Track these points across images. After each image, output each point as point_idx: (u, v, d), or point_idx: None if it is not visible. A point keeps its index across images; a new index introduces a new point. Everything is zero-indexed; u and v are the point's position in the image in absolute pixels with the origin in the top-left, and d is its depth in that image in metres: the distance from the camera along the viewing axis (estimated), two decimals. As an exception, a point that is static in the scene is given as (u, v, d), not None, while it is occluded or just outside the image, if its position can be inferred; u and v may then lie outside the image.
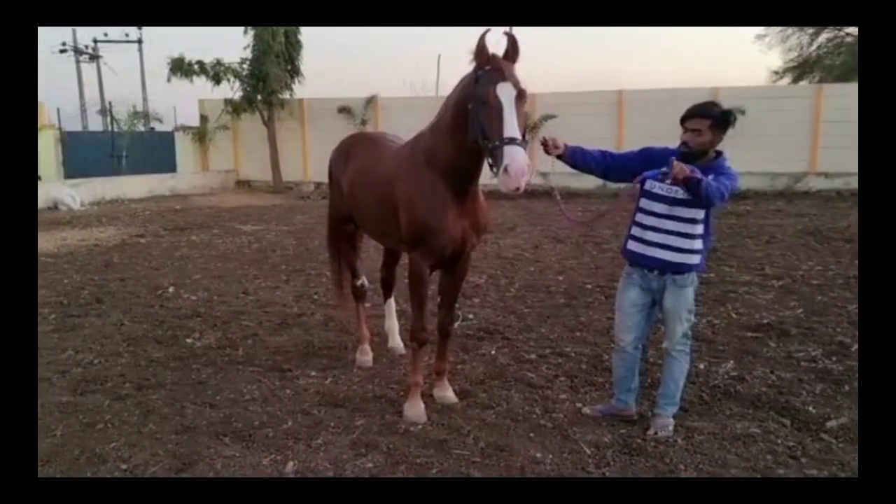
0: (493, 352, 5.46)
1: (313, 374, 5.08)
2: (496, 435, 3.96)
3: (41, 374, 5.02)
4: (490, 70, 3.51)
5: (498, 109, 3.42)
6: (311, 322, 6.48)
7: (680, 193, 3.70)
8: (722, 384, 4.65)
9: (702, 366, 5.00)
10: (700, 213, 3.75)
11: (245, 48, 21.42)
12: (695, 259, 3.83)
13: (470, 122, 3.59)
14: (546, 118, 18.72)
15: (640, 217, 3.90)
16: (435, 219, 3.96)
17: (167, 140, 24.26)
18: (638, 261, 3.91)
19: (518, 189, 3.36)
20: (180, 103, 25.39)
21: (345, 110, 21.70)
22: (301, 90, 22.45)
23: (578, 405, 4.37)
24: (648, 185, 3.83)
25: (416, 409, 4.23)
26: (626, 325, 4.03)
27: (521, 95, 3.48)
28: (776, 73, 31.22)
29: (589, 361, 5.19)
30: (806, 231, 11.48)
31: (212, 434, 4.09)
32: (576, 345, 5.59)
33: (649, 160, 3.88)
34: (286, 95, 21.95)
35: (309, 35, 21.75)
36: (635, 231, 3.92)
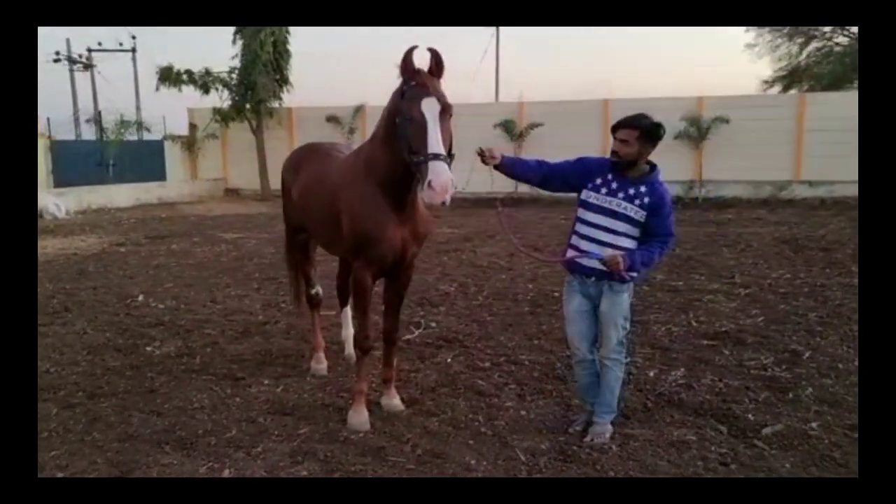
0: (448, 360, 5.48)
1: (266, 382, 5.10)
2: (435, 442, 3.98)
3: (-5, 383, 5.02)
4: (415, 85, 3.56)
5: (422, 125, 3.47)
6: (273, 330, 6.50)
7: (614, 205, 3.74)
8: (667, 392, 4.67)
9: (651, 373, 5.03)
10: (634, 231, 3.77)
11: (233, 57, 21.56)
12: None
13: (398, 136, 3.63)
14: (532, 126, 18.81)
15: (577, 226, 3.93)
16: (374, 227, 4.00)
17: (156, 149, 24.32)
18: (575, 268, 3.94)
19: (444, 203, 3.40)
20: (170, 112, 25.43)
21: (333, 119, 21.78)
22: (289, 99, 22.58)
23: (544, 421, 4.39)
24: (584, 194, 3.87)
25: (359, 417, 4.25)
26: (575, 333, 4.04)
27: (445, 110, 3.53)
28: (766, 82, 31.43)
29: (541, 369, 5.21)
30: (782, 240, 11.52)
31: (154, 442, 4.10)
32: (532, 353, 5.61)
33: (585, 169, 3.93)
34: (274, 104, 22.05)
35: (297, 44, 21.82)
36: (573, 240, 3.95)
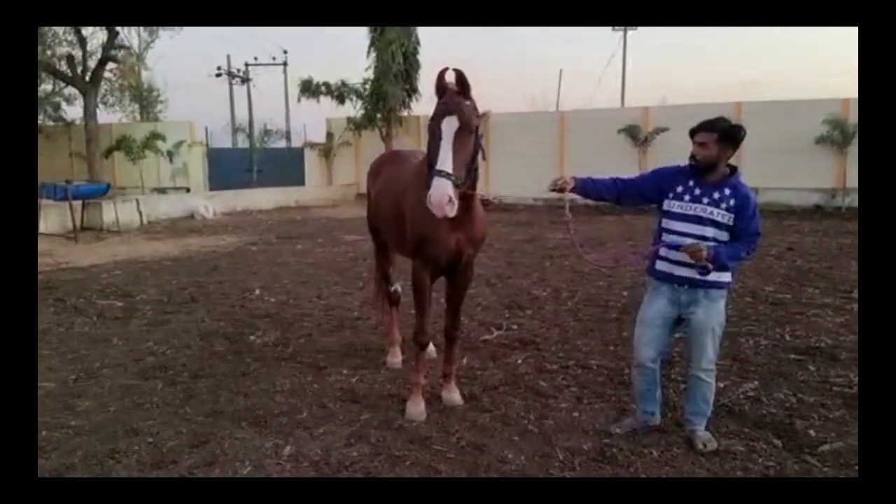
0: (518, 361, 5.62)
1: (345, 371, 5.47)
2: (480, 436, 4.15)
3: (120, 361, 5.77)
4: (441, 103, 3.78)
5: (438, 141, 3.71)
6: (363, 326, 6.91)
7: (699, 211, 3.76)
8: (731, 403, 4.55)
9: (722, 384, 4.89)
10: (723, 235, 3.75)
11: (367, 69, 22.68)
12: (723, 276, 3.83)
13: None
14: (658, 131, 18.41)
15: (665, 237, 3.91)
16: (428, 229, 4.23)
17: (297, 156, 26.03)
18: (667, 280, 3.92)
19: (445, 215, 3.65)
20: (312, 122, 27.22)
21: (459, 126, 22.29)
22: (418, 107, 23.37)
23: (606, 424, 4.41)
24: (666, 204, 3.89)
25: (416, 408, 4.50)
26: (647, 338, 4.01)
27: (463, 128, 3.71)
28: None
29: (608, 375, 5.23)
30: (925, 252, 10.53)
31: (234, 419, 4.57)
32: (604, 358, 5.63)
33: (662, 180, 3.96)
34: (403, 113, 22.92)
35: (427, 54, 22.51)
36: (662, 250, 3.92)
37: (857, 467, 3.62)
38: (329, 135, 25.13)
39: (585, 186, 4.05)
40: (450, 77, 3.92)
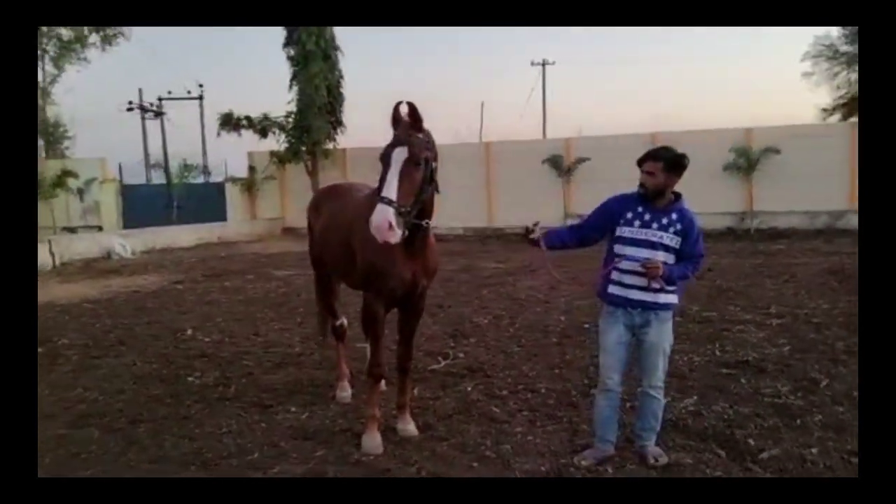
0: (468, 388, 5.67)
1: (293, 409, 5.38)
2: (440, 465, 4.17)
3: (48, 411, 5.47)
4: (394, 135, 3.89)
5: (385, 170, 3.81)
6: (307, 362, 6.82)
7: (650, 236, 3.93)
8: (675, 417, 4.74)
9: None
10: (671, 258, 3.93)
11: (289, 102, 22.58)
12: (672, 298, 4.02)
13: None
14: (580, 161, 19.06)
15: (616, 262, 4.03)
16: (384, 262, 4.26)
17: (218, 191, 25.48)
18: (620, 304, 4.06)
19: (386, 241, 3.78)
20: (232, 156, 26.68)
21: (384, 159, 22.43)
22: (344, 140, 23.38)
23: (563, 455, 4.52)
24: (618, 231, 4.03)
25: (373, 441, 4.48)
26: (612, 363, 4.14)
27: (411, 159, 3.82)
28: (825, 110, 30.79)
29: (557, 397, 5.35)
30: (830, 270, 11.29)
31: (181, 463, 4.42)
32: (550, 381, 5.76)
33: (611, 211, 4.10)
34: (329, 146, 22.87)
35: (351, 88, 22.65)
36: (614, 275, 4.05)
37: (793, 472, 3.85)
38: (251, 168, 24.76)
39: (550, 240, 4.17)
40: (403, 110, 4.00)
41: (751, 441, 4.28)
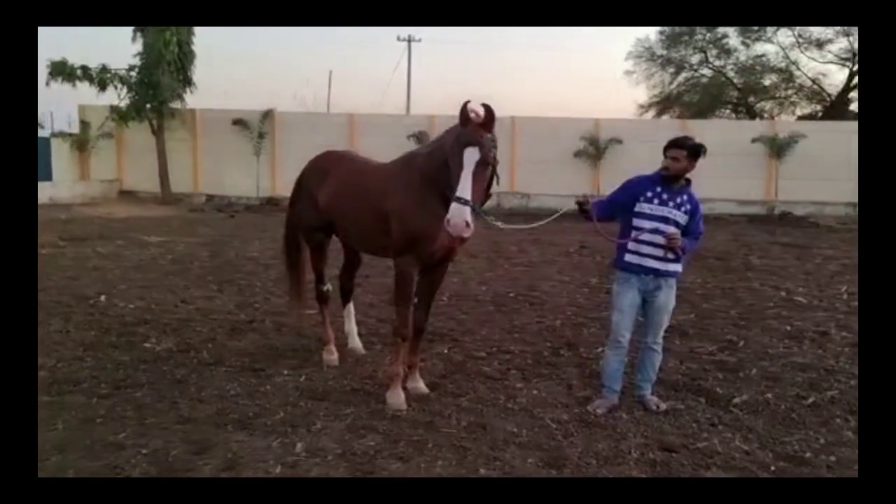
0: (445, 351, 6.10)
1: (286, 372, 5.49)
2: (473, 416, 4.60)
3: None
4: (467, 133, 4.20)
5: (460, 168, 4.15)
6: (264, 328, 6.83)
7: (666, 213, 4.58)
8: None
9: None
10: (678, 233, 4.60)
11: (135, 56, 20.95)
12: (678, 267, 4.72)
13: (449, 169, 4.30)
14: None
15: (634, 234, 4.65)
16: (429, 228, 4.57)
17: (43, 146, 22.99)
18: (636, 270, 4.68)
19: (463, 239, 4.20)
20: (58, 109, 23.88)
21: (240, 122, 21.66)
22: (193, 101, 22.17)
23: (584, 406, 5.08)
24: (638, 207, 4.64)
25: (398, 398, 4.79)
26: (626, 324, 4.78)
27: (484, 161, 4.18)
28: (642, 106, 34.14)
29: (532, 357, 5.95)
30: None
31: (212, 424, 4.45)
32: (517, 344, 6.34)
33: (634, 190, 4.73)
34: (177, 105, 21.57)
35: (203, 45, 21.48)
36: (631, 245, 4.68)
37: (763, 413, 4.76)
38: (84, 124, 22.62)
39: (599, 212, 4.74)
40: (475, 108, 4.23)
41: (718, 390, 5.17)
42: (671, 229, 4.61)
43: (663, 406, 4.80)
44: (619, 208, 4.83)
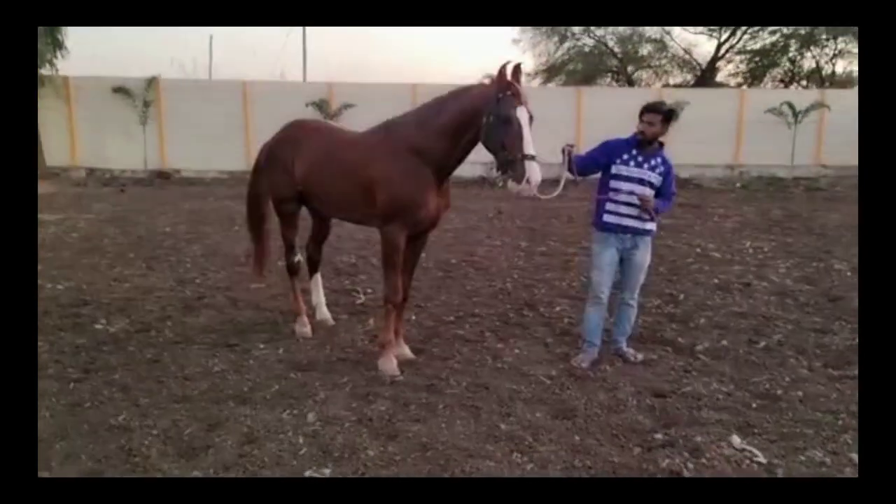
0: (413, 318, 6.18)
1: (262, 346, 5.40)
2: (470, 377, 4.76)
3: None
4: (511, 95, 4.26)
5: (518, 129, 4.21)
6: (218, 304, 6.63)
7: (642, 174, 4.85)
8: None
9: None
10: (653, 193, 4.91)
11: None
12: (653, 226, 5.05)
13: (484, 131, 4.34)
14: (346, 107, 19.30)
15: (611, 194, 4.93)
16: (419, 196, 4.64)
17: None
18: (614, 229, 4.96)
19: (528, 197, 4.30)
20: None
21: (121, 90, 20.25)
22: (66, 66, 20.46)
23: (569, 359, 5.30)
24: (615, 168, 4.90)
25: (391, 364, 4.87)
26: (605, 281, 5.08)
27: (531, 119, 4.31)
28: (528, 74, 34.92)
29: (499, 320, 6.17)
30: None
31: (210, 400, 4.36)
32: (480, 308, 6.54)
33: (611, 151, 4.98)
34: (47, 71, 19.84)
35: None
36: (609, 206, 4.95)
37: (726, 358, 5.22)
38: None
39: (579, 163, 4.91)
40: (511, 69, 4.32)
41: (680, 339, 5.61)
42: (647, 191, 4.92)
43: (640, 357, 5.16)
44: (595, 166, 5.06)
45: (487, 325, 5.99)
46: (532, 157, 4.19)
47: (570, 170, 4.85)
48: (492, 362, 5.09)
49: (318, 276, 6.12)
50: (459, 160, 4.70)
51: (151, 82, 20.41)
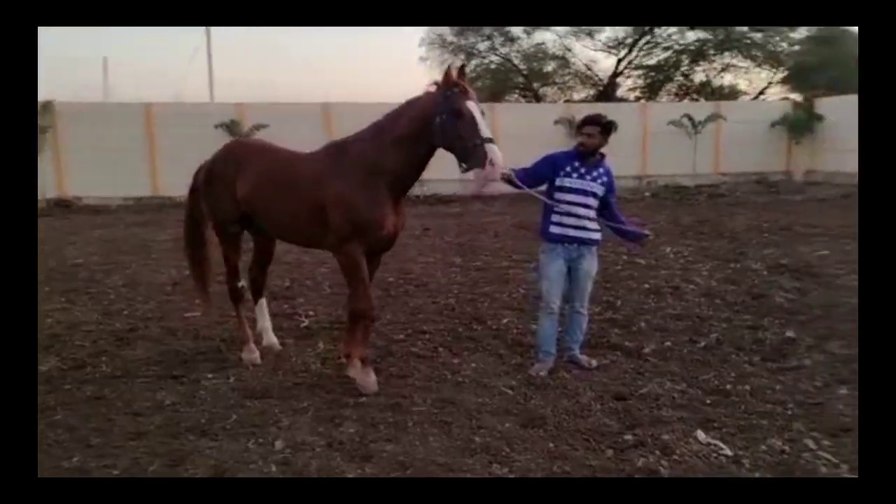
0: (362, 337, 6.10)
1: (210, 376, 5.20)
2: (433, 393, 4.75)
3: None
4: (459, 91, 4.34)
5: (472, 117, 4.29)
6: (153, 335, 6.32)
7: (586, 186, 4.99)
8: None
9: (533, 326, 6.31)
10: (597, 203, 5.07)
11: None
12: (598, 235, 5.19)
13: (438, 132, 4.38)
14: (257, 127, 18.85)
15: (557, 207, 5.03)
16: (378, 216, 4.63)
17: None
18: (561, 240, 5.07)
19: (495, 179, 4.33)
20: None
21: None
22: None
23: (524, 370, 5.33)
24: (559, 181, 5.00)
25: (370, 379, 4.83)
26: (556, 291, 5.19)
27: (483, 113, 4.37)
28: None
29: (449, 335, 6.17)
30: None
31: (168, 435, 4.17)
32: (427, 324, 6.52)
33: (555, 164, 5.10)
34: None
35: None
36: (554, 218, 5.07)
37: (672, 358, 5.43)
38: None
39: (521, 178, 4.96)
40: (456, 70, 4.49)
41: (627, 343, 5.79)
42: (591, 201, 5.07)
43: (594, 363, 5.29)
44: (541, 180, 5.17)
45: (439, 341, 5.99)
46: (490, 140, 4.28)
47: (519, 188, 4.94)
48: (451, 377, 5.09)
49: (263, 301, 5.95)
50: (416, 174, 4.72)
51: (46, 107, 19.33)
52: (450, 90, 4.38)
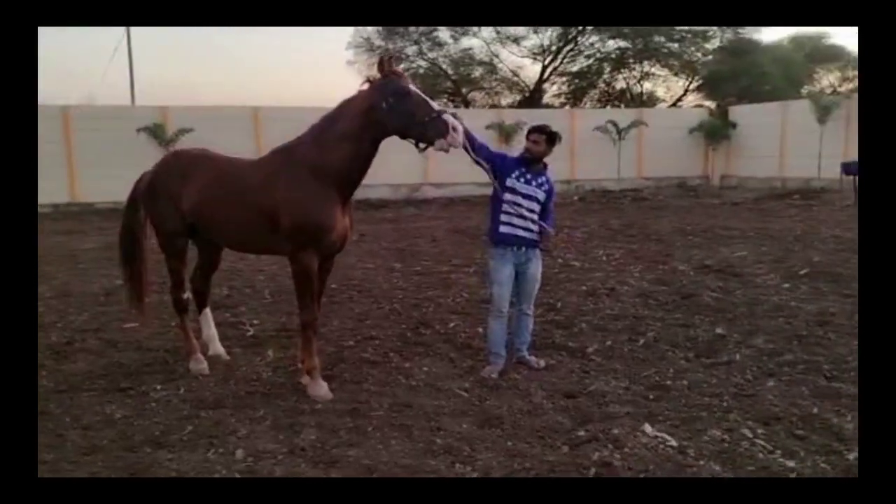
0: (313, 345, 6.12)
1: (159, 387, 5.13)
2: (390, 398, 4.83)
3: None
4: (397, 78, 4.51)
5: (419, 96, 4.44)
6: (93, 348, 6.16)
7: (531, 191, 5.18)
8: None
9: (480, 329, 6.48)
10: (538, 208, 5.27)
11: None
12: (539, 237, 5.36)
13: (388, 117, 4.47)
14: (183, 132, 18.39)
15: (506, 207, 5.21)
16: (327, 219, 4.70)
17: None
18: (509, 241, 5.23)
19: (458, 146, 4.47)
20: None
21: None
22: None
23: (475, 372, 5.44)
24: (510, 182, 5.17)
25: (323, 389, 4.86)
26: (505, 295, 5.34)
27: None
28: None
29: (397, 340, 6.27)
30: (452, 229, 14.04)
31: (123, 449, 4.11)
32: (374, 329, 6.60)
33: (508, 164, 5.29)
34: None
35: None
36: (504, 218, 5.23)
37: (615, 357, 5.69)
38: None
39: (473, 142, 5.04)
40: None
41: (570, 343, 6.02)
42: (535, 206, 5.27)
43: (542, 363, 5.49)
44: (489, 160, 5.20)
45: (389, 346, 6.07)
46: (444, 112, 4.42)
47: (477, 162, 5.10)
48: (405, 381, 5.19)
49: (207, 311, 5.89)
50: (361, 173, 4.76)
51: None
52: (387, 78, 4.50)
